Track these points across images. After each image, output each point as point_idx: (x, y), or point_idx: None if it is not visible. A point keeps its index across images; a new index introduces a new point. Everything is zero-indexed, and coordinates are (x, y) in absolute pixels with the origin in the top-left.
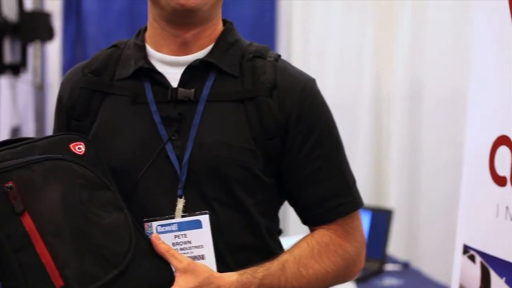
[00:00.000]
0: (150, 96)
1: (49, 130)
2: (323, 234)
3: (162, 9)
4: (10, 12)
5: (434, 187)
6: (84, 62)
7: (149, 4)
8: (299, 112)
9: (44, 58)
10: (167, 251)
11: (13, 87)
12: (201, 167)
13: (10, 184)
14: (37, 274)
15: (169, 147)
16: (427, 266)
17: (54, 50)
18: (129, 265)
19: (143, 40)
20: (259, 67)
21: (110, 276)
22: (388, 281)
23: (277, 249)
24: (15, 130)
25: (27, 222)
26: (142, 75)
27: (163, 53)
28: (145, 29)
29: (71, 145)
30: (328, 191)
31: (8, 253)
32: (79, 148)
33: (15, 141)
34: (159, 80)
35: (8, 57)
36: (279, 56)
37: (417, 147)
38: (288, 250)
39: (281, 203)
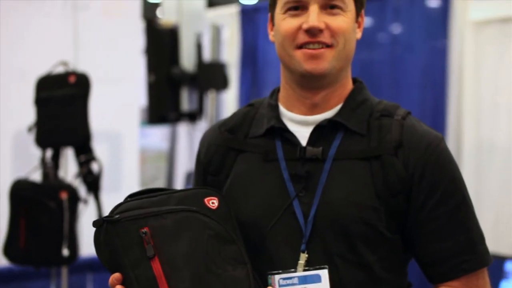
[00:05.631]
0: (280, 153)
1: None
2: None
3: (293, 73)
4: (189, 64)
5: None
6: (222, 120)
7: (282, 67)
8: (422, 170)
9: (219, 106)
10: None
11: (190, 134)
12: (325, 224)
13: (145, 230)
14: None
15: (296, 204)
16: None
17: (230, 97)
18: None
19: (277, 100)
20: (385, 126)
21: None
22: None
23: None
24: (190, 175)
25: (156, 266)
26: (274, 133)
27: (294, 113)
28: (279, 90)
29: (205, 199)
30: (451, 249)
31: None
32: (212, 202)
33: (155, 190)
34: (289, 138)
35: (185, 105)
36: (409, 113)
37: None
38: None
39: (409, 258)
